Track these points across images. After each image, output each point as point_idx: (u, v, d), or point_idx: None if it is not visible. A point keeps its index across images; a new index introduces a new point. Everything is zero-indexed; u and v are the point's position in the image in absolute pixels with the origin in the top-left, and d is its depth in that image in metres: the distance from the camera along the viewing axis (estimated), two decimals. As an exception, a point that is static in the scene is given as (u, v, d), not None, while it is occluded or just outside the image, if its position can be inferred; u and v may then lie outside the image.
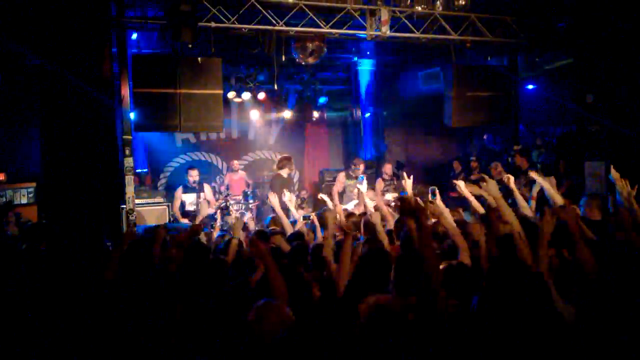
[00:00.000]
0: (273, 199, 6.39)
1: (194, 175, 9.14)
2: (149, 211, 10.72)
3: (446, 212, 5.08)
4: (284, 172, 9.62)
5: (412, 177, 6.30)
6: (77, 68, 6.99)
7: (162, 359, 3.12)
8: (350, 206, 8.81)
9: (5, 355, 3.52)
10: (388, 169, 10.68)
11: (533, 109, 11.96)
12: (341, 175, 10.46)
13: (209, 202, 9.03)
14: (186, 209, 9.05)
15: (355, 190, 9.40)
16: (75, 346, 3.38)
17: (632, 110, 8.09)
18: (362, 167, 10.28)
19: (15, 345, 3.55)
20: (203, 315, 3.33)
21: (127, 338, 3.33)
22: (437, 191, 6.13)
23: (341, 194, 10.17)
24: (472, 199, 5.65)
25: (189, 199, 9.11)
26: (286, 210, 6.59)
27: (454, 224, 4.42)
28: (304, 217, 6.66)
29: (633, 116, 8.07)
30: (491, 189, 4.74)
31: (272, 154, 13.99)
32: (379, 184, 10.38)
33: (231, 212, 9.90)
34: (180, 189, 9.21)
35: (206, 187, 9.32)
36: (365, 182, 6.86)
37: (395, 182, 10.86)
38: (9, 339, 3.61)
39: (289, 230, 5.87)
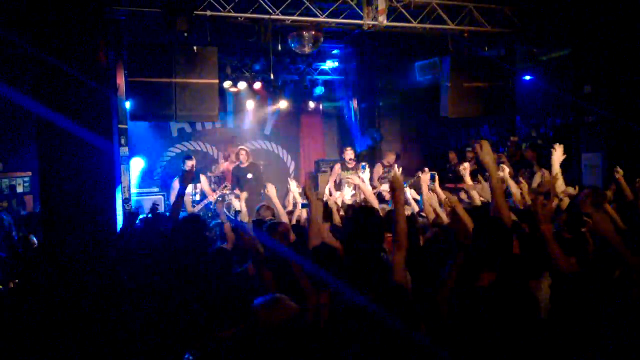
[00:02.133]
0: (271, 190, 6.40)
1: (190, 166, 9.11)
2: (145, 201, 10.71)
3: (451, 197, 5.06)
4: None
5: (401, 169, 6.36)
6: (72, 57, 6.91)
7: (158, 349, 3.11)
8: (347, 196, 8.80)
9: (3, 344, 3.50)
10: (391, 158, 10.69)
11: (530, 100, 11.93)
12: (337, 167, 10.53)
13: (205, 193, 9.02)
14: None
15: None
16: (70, 334, 3.37)
17: (630, 101, 8.06)
18: (350, 152, 10.37)
19: (12, 332, 3.54)
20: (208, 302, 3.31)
21: (123, 327, 3.32)
22: (437, 177, 6.15)
23: (338, 185, 10.22)
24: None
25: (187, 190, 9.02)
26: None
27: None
28: (303, 206, 6.68)
29: (631, 107, 8.04)
30: (485, 155, 4.08)
31: (268, 144, 13.97)
32: (379, 169, 10.43)
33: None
34: (177, 180, 9.15)
35: (202, 178, 9.29)
36: (367, 170, 6.92)
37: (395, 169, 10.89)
38: (7, 326, 3.60)
39: (285, 219, 5.87)
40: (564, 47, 9.78)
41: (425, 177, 5.94)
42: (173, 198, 8.99)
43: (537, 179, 5.54)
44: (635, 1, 7.87)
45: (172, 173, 12.16)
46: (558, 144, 5.32)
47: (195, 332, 3.05)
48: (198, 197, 9.01)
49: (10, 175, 10.07)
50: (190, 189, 9.11)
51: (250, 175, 10.23)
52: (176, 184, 9.11)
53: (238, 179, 10.20)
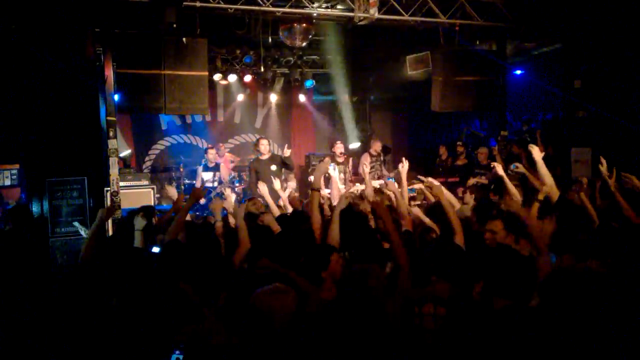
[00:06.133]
0: (262, 187, 6.40)
1: (213, 154, 10.63)
2: (134, 194, 10.62)
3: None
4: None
5: (405, 165, 6.11)
6: (59, 49, 6.85)
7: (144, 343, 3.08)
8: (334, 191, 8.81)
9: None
10: (377, 146, 10.69)
11: (521, 94, 11.94)
12: (326, 160, 10.48)
13: (222, 181, 10.52)
14: (205, 186, 10.08)
15: (342, 176, 9.40)
16: (54, 326, 3.33)
17: (619, 96, 8.09)
18: (340, 146, 10.38)
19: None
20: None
21: (109, 324, 3.28)
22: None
23: (327, 179, 10.19)
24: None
25: (207, 177, 10.48)
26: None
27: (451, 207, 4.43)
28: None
29: (620, 102, 8.08)
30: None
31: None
32: (365, 158, 10.41)
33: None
34: (200, 167, 10.56)
35: (222, 167, 10.64)
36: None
37: (381, 158, 10.89)
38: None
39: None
40: (555, 42, 9.79)
41: (404, 169, 6.03)
42: (198, 183, 10.15)
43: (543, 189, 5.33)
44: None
45: (161, 166, 12.16)
46: (531, 145, 5.46)
47: (183, 326, 3.02)
48: (217, 184, 10.40)
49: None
50: (210, 176, 10.54)
51: (273, 167, 9.27)
52: (200, 171, 10.54)
53: (257, 172, 9.23)
